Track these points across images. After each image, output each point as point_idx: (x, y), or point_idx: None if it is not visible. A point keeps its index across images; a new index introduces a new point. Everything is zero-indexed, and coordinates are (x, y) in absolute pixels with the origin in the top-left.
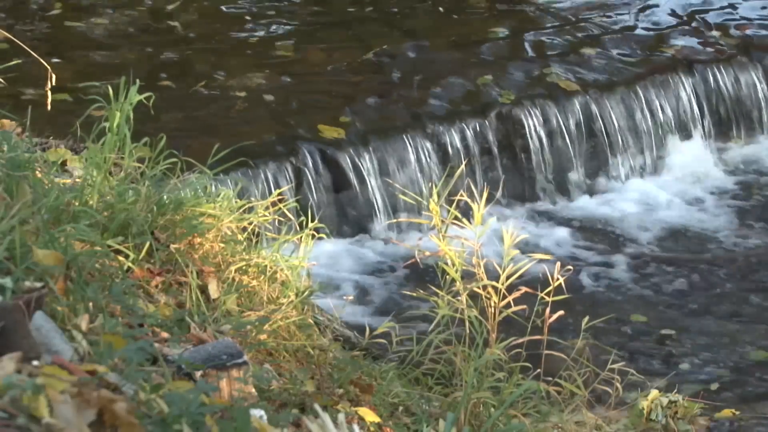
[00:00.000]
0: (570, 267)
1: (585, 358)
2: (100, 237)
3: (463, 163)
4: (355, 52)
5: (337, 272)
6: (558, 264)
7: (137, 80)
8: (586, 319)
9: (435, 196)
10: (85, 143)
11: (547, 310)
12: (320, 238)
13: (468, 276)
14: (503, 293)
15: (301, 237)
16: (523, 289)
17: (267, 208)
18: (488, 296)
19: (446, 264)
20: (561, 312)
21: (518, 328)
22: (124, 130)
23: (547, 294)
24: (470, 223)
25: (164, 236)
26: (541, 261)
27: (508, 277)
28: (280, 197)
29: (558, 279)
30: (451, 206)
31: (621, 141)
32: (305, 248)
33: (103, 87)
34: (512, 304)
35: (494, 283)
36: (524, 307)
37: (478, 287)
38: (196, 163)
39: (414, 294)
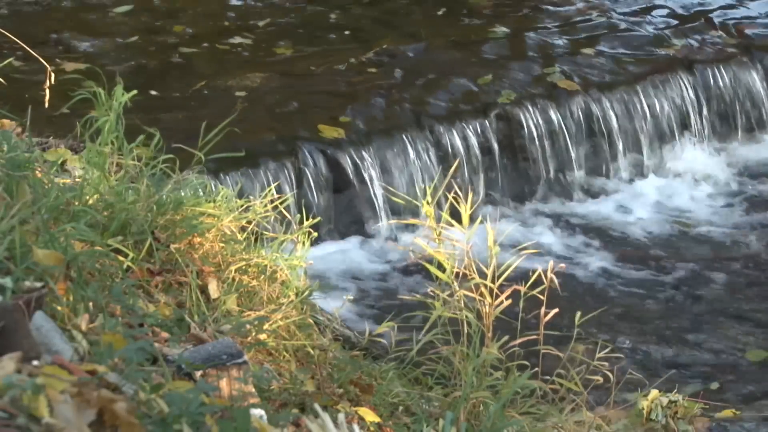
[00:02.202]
0: (563, 264)
1: (582, 355)
2: (100, 236)
3: (456, 162)
4: (355, 52)
5: (337, 272)
6: (551, 263)
7: (135, 80)
8: (578, 314)
9: (428, 197)
10: (83, 142)
11: (542, 308)
12: (318, 239)
13: (464, 276)
14: (496, 292)
15: (297, 236)
16: (514, 286)
17: (264, 206)
18: (481, 296)
19: (437, 265)
20: (556, 309)
21: (515, 327)
22: (119, 129)
23: (541, 292)
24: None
25: (164, 236)
26: (537, 260)
27: (497, 275)
28: (277, 195)
29: (551, 277)
30: (446, 206)
31: (621, 141)
32: (303, 247)
33: (102, 86)
34: (505, 302)
35: (485, 281)
36: (520, 306)
37: (471, 287)
38: (191, 149)
39: (412, 294)
